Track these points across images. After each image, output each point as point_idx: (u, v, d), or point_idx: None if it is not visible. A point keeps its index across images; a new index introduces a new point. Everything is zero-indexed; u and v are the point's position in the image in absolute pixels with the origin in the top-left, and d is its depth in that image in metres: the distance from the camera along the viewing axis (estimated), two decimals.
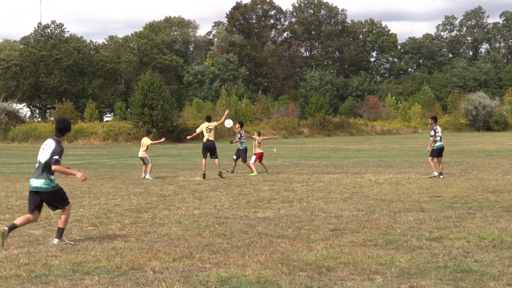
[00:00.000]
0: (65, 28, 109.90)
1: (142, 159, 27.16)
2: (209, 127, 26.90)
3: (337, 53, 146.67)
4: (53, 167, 12.01)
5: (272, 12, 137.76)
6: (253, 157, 28.78)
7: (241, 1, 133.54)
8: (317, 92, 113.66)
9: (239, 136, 28.62)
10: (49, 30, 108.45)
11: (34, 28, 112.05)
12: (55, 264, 10.29)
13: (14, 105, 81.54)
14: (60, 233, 12.27)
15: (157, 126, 68.66)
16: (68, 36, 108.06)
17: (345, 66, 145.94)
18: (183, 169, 31.20)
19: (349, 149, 52.10)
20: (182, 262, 10.39)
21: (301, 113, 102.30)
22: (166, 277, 9.39)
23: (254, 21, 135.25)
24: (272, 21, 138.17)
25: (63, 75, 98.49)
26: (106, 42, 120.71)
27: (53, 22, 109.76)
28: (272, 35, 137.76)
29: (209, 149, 26.72)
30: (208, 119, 27.70)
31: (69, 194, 20.43)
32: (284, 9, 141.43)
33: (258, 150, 28.86)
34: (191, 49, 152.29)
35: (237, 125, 29.09)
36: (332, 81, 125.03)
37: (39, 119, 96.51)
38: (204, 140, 26.89)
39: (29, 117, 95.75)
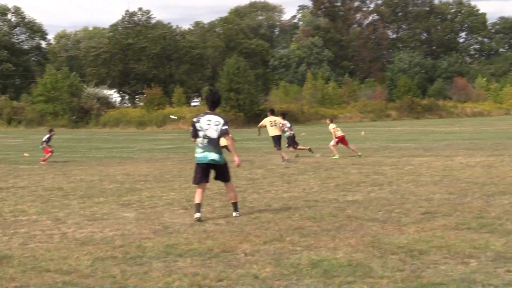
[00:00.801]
0: (151, 15, 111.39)
1: None
2: (275, 121, 26.87)
3: (425, 34, 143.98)
4: (226, 138, 13.25)
5: None
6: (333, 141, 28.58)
7: None
8: (405, 74, 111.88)
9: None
10: (136, 17, 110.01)
11: (122, 15, 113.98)
12: (149, 246, 10.48)
13: (105, 91, 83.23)
14: (235, 206, 13.41)
15: (243, 110, 68.95)
16: (155, 22, 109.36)
17: (433, 47, 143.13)
18: (271, 153, 31.27)
19: (438, 132, 51.32)
20: (273, 245, 10.43)
21: (388, 96, 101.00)
22: (257, 259, 9.45)
23: (339, 3, 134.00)
24: (357, 3, 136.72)
25: (151, 61, 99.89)
26: (192, 28, 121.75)
27: (140, 9, 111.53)
28: (357, 18, 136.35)
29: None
30: (272, 112, 27.86)
31: (160, 177, 20.88)
32: None
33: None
34: (276, 33, 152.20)
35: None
36: (421, 63, 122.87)
37: (129, 105, 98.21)
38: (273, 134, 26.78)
39: (119, 103, 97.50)
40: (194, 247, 10.37)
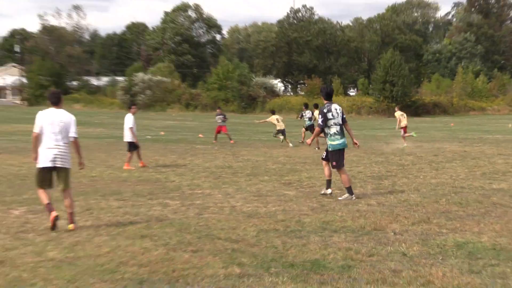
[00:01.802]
0: (314, 11, 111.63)
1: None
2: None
3: None
4: (347, 125, 13.36)
5: None
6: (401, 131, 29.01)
7: None
8: None
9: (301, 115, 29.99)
10: (300, 14, 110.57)
11: (287, 12, 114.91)
12: (307, 222, 10.64)
13: (271, 80, 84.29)
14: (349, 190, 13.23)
15: (396, 101, 67.97)
16: (317, 19, 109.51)
17: None
18: (421, 141, 30.70)
19: None
20: (420, 226, 10.33)
21: None
22: (405, 238, 9.40)
23: (493, 0, 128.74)
24: (511, 0, 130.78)
25: (312, 54, 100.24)
26: (351, 24, 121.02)
27: (304, 6, 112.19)
28: (511, 14, 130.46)
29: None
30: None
31: (318, 160, 20.96)
32: None
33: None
34: (431, 29, 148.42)
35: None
36: None
37: (291, 93, 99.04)
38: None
39: (283, 91, 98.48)
40: (348, 224, 10.44)
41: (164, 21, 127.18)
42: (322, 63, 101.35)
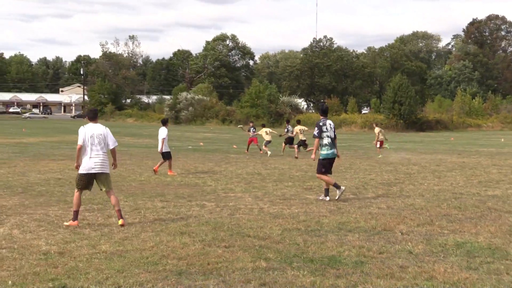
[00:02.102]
0: (333, 41, 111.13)
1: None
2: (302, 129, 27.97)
3: None
4: (335, 140, 13.53)
5: (504, 26, 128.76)
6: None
7: (476, 18, 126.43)
8: None
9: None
10: (322, 43, 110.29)
11: (311, 41, 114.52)
12: (325, 222, 10.47)
13: (296, 99, 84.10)
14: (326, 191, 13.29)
15: (403, 118, 67.48)
16: (336, 47, 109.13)
17: None
18: (425, 153, 30.29)
19: None
20: (425, 227, 10.10)
21: None
22: (411, 238, 9.19)
23: (487, 33, 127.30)
24: (503, 33, 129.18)
25: (332, 77, 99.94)
26: (365, 52, 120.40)
27: (325, 36, 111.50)
28: (503, 45, 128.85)
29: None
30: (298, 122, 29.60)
31: (335, 169, 20.74)
32: None
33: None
34: (433, 57, 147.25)
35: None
36: None
37: (313, 111, 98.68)
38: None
39: (306, 109, 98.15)
40: (361, 225, 10.25)
41: (205, 49, 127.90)
42: (340, 85, 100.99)
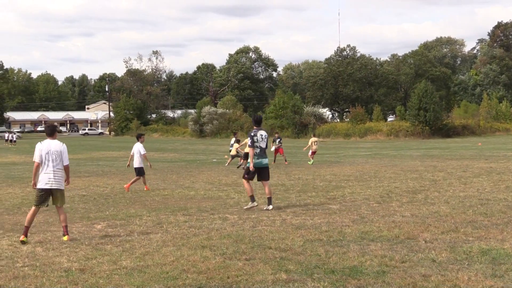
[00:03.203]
0: (357, 50, 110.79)
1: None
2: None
3: None
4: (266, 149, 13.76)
5: None
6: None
7: (501, 21, 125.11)
8: None
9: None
10: (345, 52, 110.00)
11: (334, 51, 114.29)
12: (348, 232, 10.35)
13: (320, 109, 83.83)
14: (270, 201, 13.50)
15: (429, 125, 66.84)
16: (359, 56, 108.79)
17: None
18: (451, 159, 29.92)
19: None
20: (449, 235, 9.94)
21: None
22: (435, 246, 9.04)
23: None
24: None
25: (356, 85, 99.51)
26: (388, 59, 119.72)
27: (348, 45, 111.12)
28: None
29: None
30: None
31: (360, 177, 20.59)
32: None
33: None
34: (458, 62, 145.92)
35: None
36: None
37: (338, 120, 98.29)
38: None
39: (331, 119, 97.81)
40: (384, 234, 10.12)
41: (228, 62, 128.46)
42: (364, 93, 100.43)
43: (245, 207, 13.60)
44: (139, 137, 18.71)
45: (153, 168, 22.06)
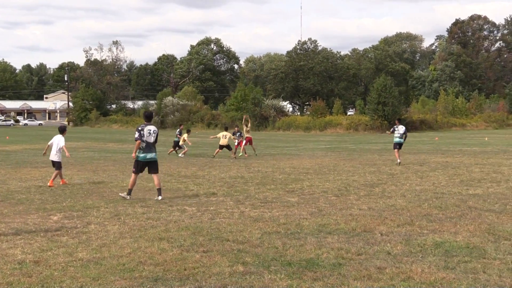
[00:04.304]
0: (318, 43, 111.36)
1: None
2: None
3: None
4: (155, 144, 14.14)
5: (486, 26, 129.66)
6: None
7: (459, 18, 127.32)
8: None
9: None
10: (306, 46, 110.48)
11: (295, 44, 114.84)
12: (305, 225, 10.43)
13: (280, 102, 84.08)
14: (160, 191, 13.97)
15: (388, 119, 67.68)
16: (321, 49, 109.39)
17: None
18: (409, 153, 30.36)
19: None
20: (404, 228, 10.10)
21: (509, 109, 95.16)
22: (391, 239, 9.18)
23: (470, 33, 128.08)
24: (485, 33, 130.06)
25: (316, 79, 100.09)
26: (349, 53, 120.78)
27: (309, 39, 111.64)
28: (485, 45, 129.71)
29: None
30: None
31: (319, 171, 20.73)
32: (497, 23, 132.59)
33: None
34: (417, 57, 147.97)
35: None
36: None
37: (298, 113, 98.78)
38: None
39: (291, 112, 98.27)
40: (341, 227, 10.22)
41: (190, 53, 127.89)
42: (325, 87, 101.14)
43: (121, 194, 14.30)
44: (63, 131, 17.58)
45: (112, 159, 21.82)
